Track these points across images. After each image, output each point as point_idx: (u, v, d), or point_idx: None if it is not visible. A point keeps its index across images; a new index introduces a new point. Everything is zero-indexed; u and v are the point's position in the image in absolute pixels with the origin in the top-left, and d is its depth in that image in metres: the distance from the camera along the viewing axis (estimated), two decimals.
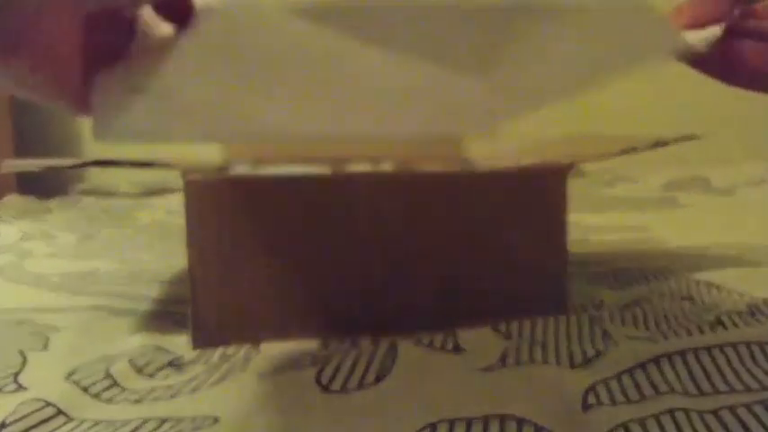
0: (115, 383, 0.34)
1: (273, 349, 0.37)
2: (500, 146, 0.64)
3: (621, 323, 0.40)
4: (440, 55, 0.23)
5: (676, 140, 0.42)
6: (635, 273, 0.53)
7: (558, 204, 0.42)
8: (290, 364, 0.35)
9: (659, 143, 0.41)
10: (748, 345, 0.34)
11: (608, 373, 0.32)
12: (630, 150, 0.43)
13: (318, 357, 0.35)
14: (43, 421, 0.30)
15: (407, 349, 0.36)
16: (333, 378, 0.33)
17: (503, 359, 0.35)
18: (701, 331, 0.37)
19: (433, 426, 0.27)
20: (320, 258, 0.39)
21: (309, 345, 0.38)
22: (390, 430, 0.28)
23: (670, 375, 0.31)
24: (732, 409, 0.28)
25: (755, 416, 0.27)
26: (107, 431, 0.29)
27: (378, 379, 0.33)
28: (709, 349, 0.34)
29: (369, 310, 0.40)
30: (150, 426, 0.29)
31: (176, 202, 1.11)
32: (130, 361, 0.36)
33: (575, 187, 0.43)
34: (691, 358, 0.33)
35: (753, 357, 0.33)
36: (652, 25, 0.25)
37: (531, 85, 0.24)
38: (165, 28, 0.22)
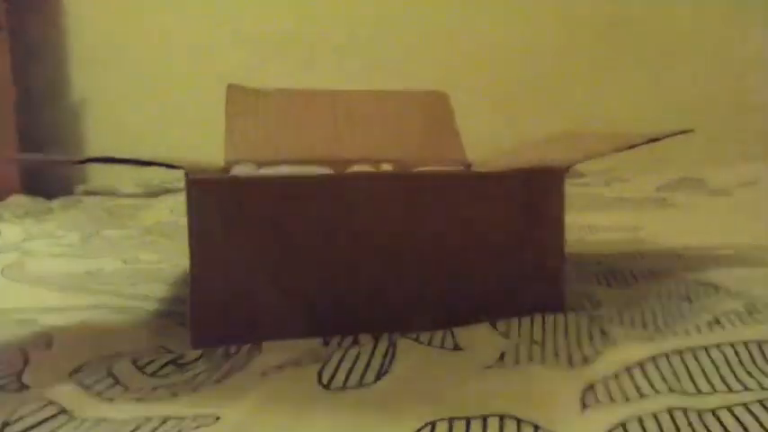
0: (117, 382, 0.34)
1: (274, 348, 0.37)
2: (498, 146, 0.64)
3: (620, 323, 0.40)
4: None
5: (670, 135, 0.42)
6: (633, 273, 0.53)
7: (556, 204, 0.43)
8: (292, 363, 0.35)
9: (654, 138, 0.42)
10: (746, 344, 0.34)
11: (606, 372, 0.32)
12: (626, 147, 0.43)
13: (319, 356, 0.36)
14: (45, 420, 0.30)
15: (407, 348, 0.36)
16: (333, 376, 0.33)
17: (501, 358, 0.35)
18: (699, 331, 0.37)
19: (432, 424, 0.28)
20: (320, 258, 0.39)
21: (310, 343, 0.38)
22: (390, 428, 0.28)
23: (668, 375, 0.32)
24: (730, 408, 0.28)
25: (753, 415, 0.27)
26: (109, 430, 0.29)
27: (378, 377, 0.33)
28: (706, 349, 0.34)
29: (369, 308, 0.40)
30: (152, 424, 0.29)
31: (179, 202, 1.11)
32: (133, 360, 0.36)
33: (573, 187, 0.43)
34: (688, 358, 0.33)
35: (751, 357, 0.33)
36: None
37: None
38: None
